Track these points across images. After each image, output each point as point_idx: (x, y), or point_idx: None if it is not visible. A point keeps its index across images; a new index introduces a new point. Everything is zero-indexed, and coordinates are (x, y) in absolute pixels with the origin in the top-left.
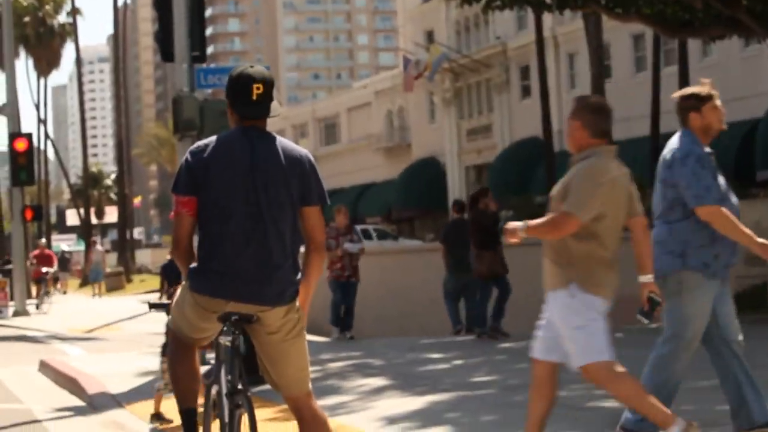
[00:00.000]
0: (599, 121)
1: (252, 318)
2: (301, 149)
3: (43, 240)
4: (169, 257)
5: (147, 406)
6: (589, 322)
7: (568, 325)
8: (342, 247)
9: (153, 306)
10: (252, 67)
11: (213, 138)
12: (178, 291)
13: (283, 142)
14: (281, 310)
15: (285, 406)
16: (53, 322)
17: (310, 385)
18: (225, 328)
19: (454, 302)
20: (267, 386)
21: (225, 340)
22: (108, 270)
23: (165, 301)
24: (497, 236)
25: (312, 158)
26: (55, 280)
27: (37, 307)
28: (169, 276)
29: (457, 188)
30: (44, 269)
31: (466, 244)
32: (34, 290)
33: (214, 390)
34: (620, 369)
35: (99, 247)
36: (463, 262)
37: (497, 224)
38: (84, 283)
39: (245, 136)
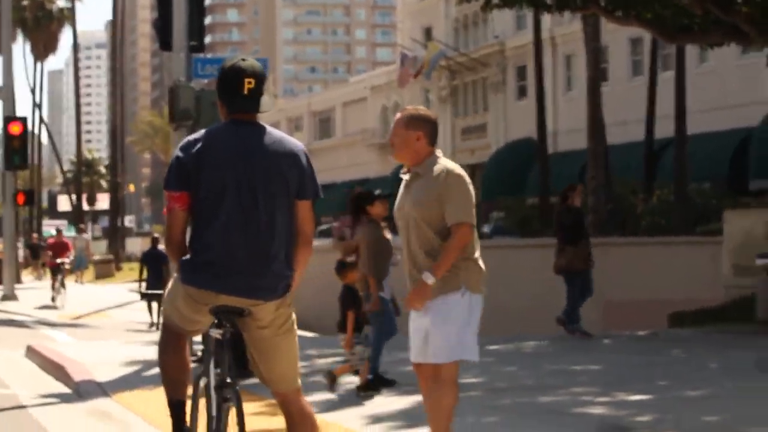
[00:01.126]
0: (434, 129)
1: (243, 311)
2: (296, 141)
3: (60, 226)
4: (149, 246)
5: (133, 396)
6: (473, 322)
7: (451, 323)
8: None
9: (144, 295)
10: (244, 60)
11: (203, 132)
12: (170, 282)
13: (276, 133)
14: (273, 304)
15: (273, 401)
16: (41, 308)
17: (299, 381)
18: (216, 321)
19: None
20: (255, 380)
21: (215, 333)
22: (98, 257)
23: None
24: (581, 232)
25: (306, 151)
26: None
27: (53, 299)
28: (149, 264)
29: None
30: (59, 260)
31: None
32: (50, 281)
33: (202, 382)
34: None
35: (85, 234)
36: None
37: (582, 220)
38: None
39: (236, 129)
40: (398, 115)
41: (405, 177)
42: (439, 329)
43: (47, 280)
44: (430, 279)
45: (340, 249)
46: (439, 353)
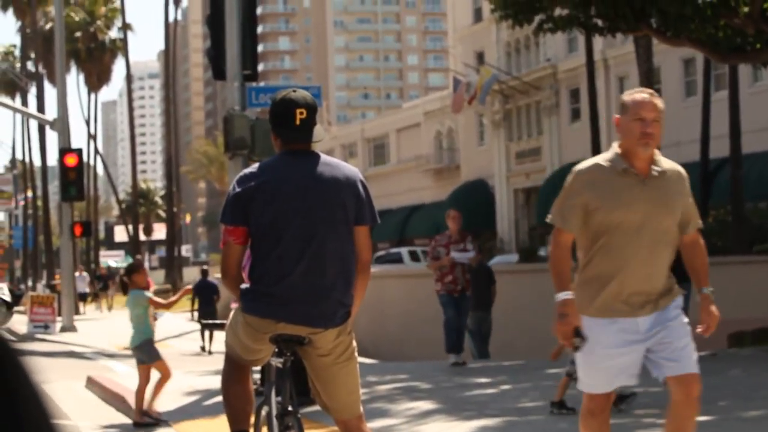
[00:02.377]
0: None
1: (303, 340)
2: (352, 168)
3: (117, 257)
4: (200, 276)
5: (192, 425)
6: None
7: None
8: (449, 256)
9: (206, 326)
10: (295, 91)
11: (258, 165)
12: (231, 313)
13: (332, 161)
14: (333, 332)
15: (335, 428)
16: (100, 339)
17: (361, 408)
18: (276, 350)
19: (473, 335)
20: (317, 407)
21: (276, 362)
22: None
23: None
24: None
25: (362, 177)
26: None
27: None
28: (200, 294)
29: (505, 211)
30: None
31: (485, 285)
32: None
33: (264, 411)
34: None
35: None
36: (476, 301)
37: None
38: None
39: (292, 159)
40: (644, 97)
41: (625, 170)
42: (686, 339)
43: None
44: (709, 290)
45: (434, 268)
46: (694, 364)
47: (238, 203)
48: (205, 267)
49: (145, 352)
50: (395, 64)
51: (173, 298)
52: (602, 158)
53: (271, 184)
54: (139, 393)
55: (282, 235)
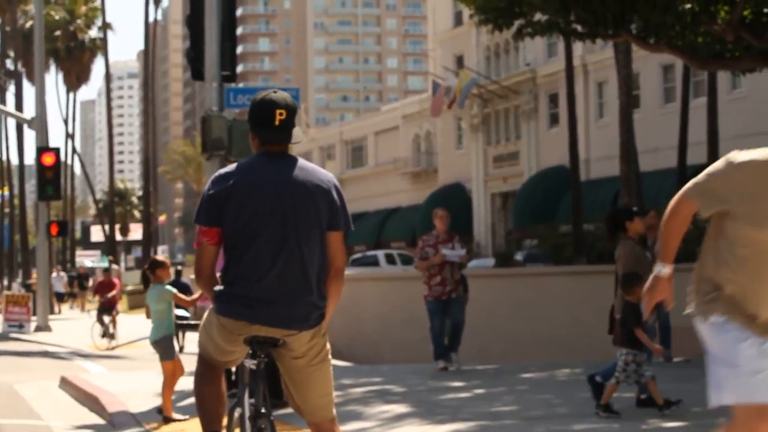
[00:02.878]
0: None
1: (278, 342)
2: (327, 173)
3: (114, 266)
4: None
5: (167, 427)
6: None
7: None
8: (441, 253)
9: (179, 326)
10: (275, 92)
11: (234, 165)
12: (205, 314)
13: (307, 165)
14: (307, 334)
15: (307, 430)
16: (75, 339)
17: (334, 411)
18: (250, 351)
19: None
20: (290, 409)
21: (250, 363)
22: (131, 288)
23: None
24: None
25: (337, 183)
26: (72, 296)
27: (110, 338)
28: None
29: (482, 215)
30: (109, 294)
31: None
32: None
33: (236, 413)
34: None
35: (115, 266)
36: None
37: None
38: None
39: (269, 161)
40: None
41: None
42: None
43: (88, 313)
44: None
45: (423, 268)
46: None
47: (212, 204)
48: (179, 267)
49: (164, 348)
50: (375, 67)
51: (195, 296)
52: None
53: (246, 186)
54: (166, 388)
55: (256, 238)
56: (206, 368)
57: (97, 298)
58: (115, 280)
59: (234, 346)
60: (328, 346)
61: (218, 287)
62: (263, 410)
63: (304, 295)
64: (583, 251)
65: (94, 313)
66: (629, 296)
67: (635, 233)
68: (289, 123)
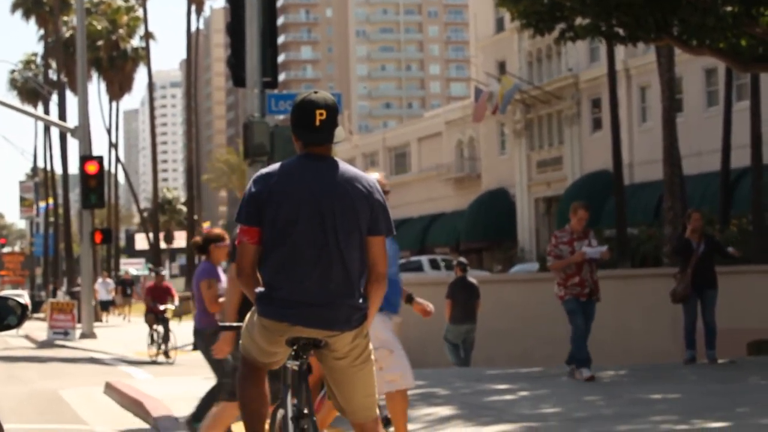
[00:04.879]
0: None
1: (320, 343)
2: (369, 177)
3: (164, 272)
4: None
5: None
6: None
7: None
8: (581, 251)
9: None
10: (316, 93)
11: (277, 165)
12: (247, 316)
13: (349, 168)
14: (349, 335)
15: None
16: (120, 346)
17: (377, 412)
18: (293, 353)
19: (455, 348)
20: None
21: (292, 365)
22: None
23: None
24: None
25: (380, 187)
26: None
27: (166, 355)
28: None
29: (526, 220)
30: (162, 306)
31: (468, 299)
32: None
33: (279, 414)
34: None
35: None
36: (464, 314)
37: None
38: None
39: (310, 162)
40: None
41: None
42: None
43: (134, 320)
44: None
45: (559, 267)
46: None
47: (252, 203)
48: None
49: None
50: (417, 74)
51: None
52: None
53: (287, 187)
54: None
55: (296, 239)
56: (249, 370)
57: (144, 303)
58: (168, 284)
59: (276, 348)
60: (371, 346)
61: (260, 289)
62: (306, 411)
63: (346, 298)
64: (628, 255)
65: (133, 319)
66: None
67: None
68: (330, 123)
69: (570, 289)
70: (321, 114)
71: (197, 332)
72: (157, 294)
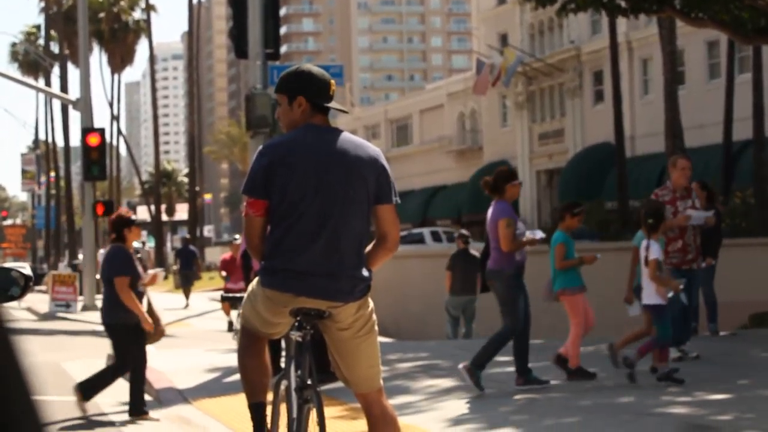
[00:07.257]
0: None
1: (324, 313)
2: (374, 147)
3: (237, 237)
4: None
5: (213, 402)
6: None
7: None
8: (685, 214)
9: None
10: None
11: (283, 137)
12: (250, 287)
13: (354, 138)
14: (353, 306)
15: (354, 405)
16: None
17: (381, 382)
18: (296, 324)
19: (454, 321)
20: (335, 384)
21: (296, 336)
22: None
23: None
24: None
25: (383, 157)
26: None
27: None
28: (182, 258)
29: (528, 192)
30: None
31: (468, 271)
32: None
33: (282, 385)
34: None
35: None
36: (464, 285)
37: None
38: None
39: (317, 133)
40: None
41: None
42: None
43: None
44: None
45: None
46: None
47: (260, 175)
48: (187, 236)
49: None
50: (419, 46)
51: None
52: None
53: (294, 158)
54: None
55: (303, 211)
56: (250, 340)
57: (219, 277)
58: (233, 255)
59: (279, 318)
60: (375, 317)
61: (263, 261)
62: (309, 382)
63: (350, 269)
64: (629, 227)
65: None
66: None
67: None
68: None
69: (673, 257)
70: (333, 85)
71: (495, 273)
72: (231, 268)
